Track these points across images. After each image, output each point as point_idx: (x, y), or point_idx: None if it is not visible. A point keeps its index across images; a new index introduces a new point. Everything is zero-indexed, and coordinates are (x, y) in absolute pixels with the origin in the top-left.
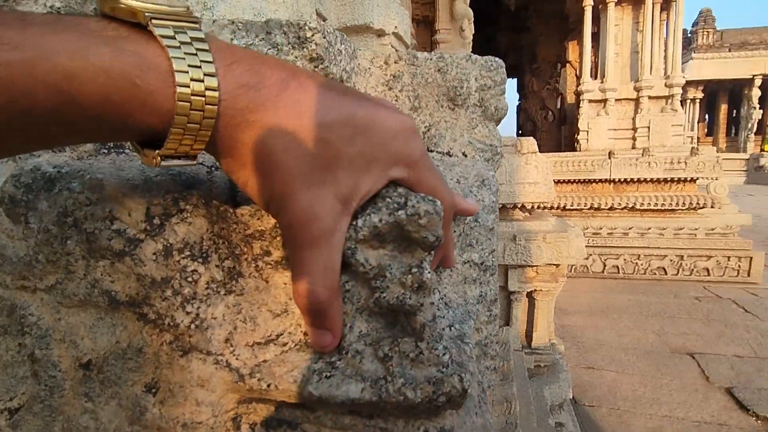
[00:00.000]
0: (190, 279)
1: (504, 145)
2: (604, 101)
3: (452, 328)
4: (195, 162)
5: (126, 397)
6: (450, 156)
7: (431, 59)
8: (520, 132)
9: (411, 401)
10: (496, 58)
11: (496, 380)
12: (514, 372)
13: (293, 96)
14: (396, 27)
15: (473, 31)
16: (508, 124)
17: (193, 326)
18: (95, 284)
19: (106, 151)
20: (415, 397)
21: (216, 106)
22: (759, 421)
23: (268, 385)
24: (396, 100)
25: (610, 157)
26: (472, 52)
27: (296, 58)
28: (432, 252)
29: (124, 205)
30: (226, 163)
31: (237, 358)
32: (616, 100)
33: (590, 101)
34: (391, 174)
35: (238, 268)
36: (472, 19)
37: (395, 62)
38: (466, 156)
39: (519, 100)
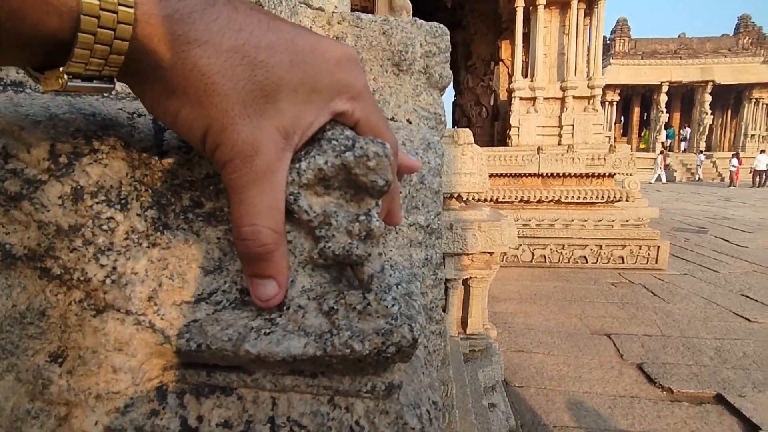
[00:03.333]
0: (105, 227)
1: (443, 135)
2: (534, 99)
3: (399, 286)
4: (112, 87)
5: (26, 369)
6: (394, 121)
7: (376, 21)
8: (455, 127)
9: (358, 354)
10: (441, 25)
11: (441, 345)
12: (451, 357)
13: (224, 12)
14: (335, 7)
15: None
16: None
17: (108, 281)
18: None
19: (1, 87)
20: (363, 349)
21: (132, 9)
22: (664, 392)
23: (199, 346)
24: None
25: (538, 153)
26: None
27: None
28: (381, 199)
29: (22, 141)
30: (150, 91)
31: (162, 318)
32: (545, 98)
33: (521, 99)
34: (334, 106)
35: (164, 219)
36: (411, 11)
37: (338, 23)
38: (410, 123)
39: (455, 95)
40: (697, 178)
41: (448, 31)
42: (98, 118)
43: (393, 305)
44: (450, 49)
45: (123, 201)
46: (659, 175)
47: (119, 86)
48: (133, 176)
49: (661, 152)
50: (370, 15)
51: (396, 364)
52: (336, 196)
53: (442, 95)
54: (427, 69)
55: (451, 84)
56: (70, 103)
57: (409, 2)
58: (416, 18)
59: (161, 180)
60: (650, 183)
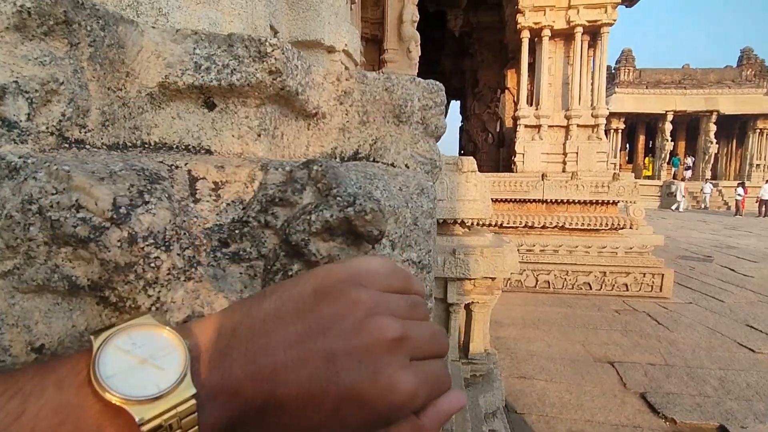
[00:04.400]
0: (153, 265)
1: (446, 162)
2: (539, 127)
3: None
4: None
5: None
6: (394, 167)
7: (379, 79)
8: (462, 152)
9: None
10: (437, 82)
11: None
12: (452, 381)
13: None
14: (346, 45)
15: (419, 53)
16: (451, 144)
17: (153, 308)
18: (56, 269)
19: (67, 145)
20: None
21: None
22: (667, 423)
23: None
24: (346, 114)
25: (543, 179)
26: (418, 73)
27: (256, 70)
28: (375, 246)
29: (91, 195)
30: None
31: None
32: (549, 126)
33: (526, 126)
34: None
35: (198, 258)
36: (419, 41)
37: (346, 79)
38: (408, 167)
39: (462, 121)
40: (703, 207)
41: (443, 87)
42: (146, 173)
43: None
44: (445, 102)
45: (167, 243)
46: (681, 203)
47: (156, 137)
48: (175, 222)
49: (683, 179)
50: (374, 73)
51: None
52: (339, 242)
53: (437, 142)
54: (424, 120)
55: (459, 109)
56: (123, 160)
57: (417, 33)
58: (415, 76)
59: (195, 224)
60: (677, 210)
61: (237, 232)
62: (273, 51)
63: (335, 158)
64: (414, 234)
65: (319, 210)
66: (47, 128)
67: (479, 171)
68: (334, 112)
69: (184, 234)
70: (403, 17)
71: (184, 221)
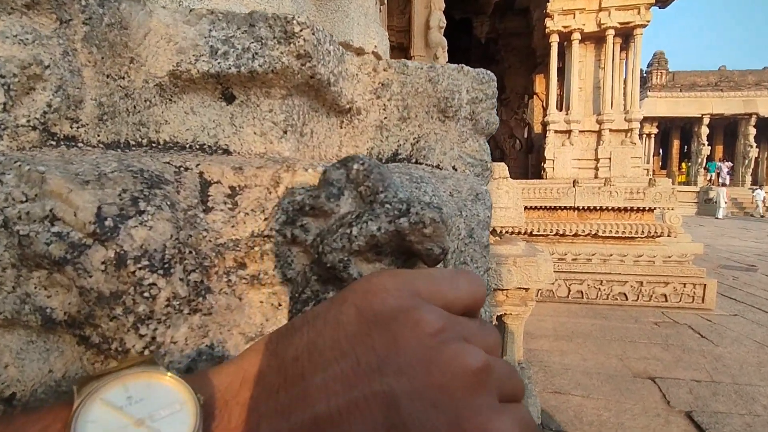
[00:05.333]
0: (146, 294)
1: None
2: (569, 132)
3: None
4: None
5: None
6: (440, 169)
7: (422, 68)
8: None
9: None
10: (488, 71)
11: None
12: None
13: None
14: (375, 46)
15: (447, 60)
16: None
17: (147, 352)
18: (26, 299)
19: (54, 142)
20: None
21: None
22: None
23: None
24: (384, 110)
25: (574, 186)
26: None
27: (282, 53)
28: (441, 265)
29: (69, 203)
30: None
31: None
32: (580, 131)
33: (556, 132)
34: None
35: (207, 283)
36: (446, 47)
37: (384, 70)
38: (456, 170)
39: None
40: (759, 215)
41: (495, 78)
42: (146, 175)
43: None
44: (496, 95)
45: (166, 265)
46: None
47: (166, 135)
48: (178, 238)
49: (722, 184)
50: (416, 62)
51: None
52: (387, 263)
53: (487, 141)
54: (473, 115)
55: None
56: (119, 159)
57: (444, 39)
58: (463, 65)
59: (205, 240)
60: (718, 219)
61: (257, 249)
62: (301, 31)
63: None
64: (470, 249)
65: (362, 221)
66: (28, 121)
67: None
68: (371, 108)
69: (190, 253)
70: (430, 23)
71: (191, 236)
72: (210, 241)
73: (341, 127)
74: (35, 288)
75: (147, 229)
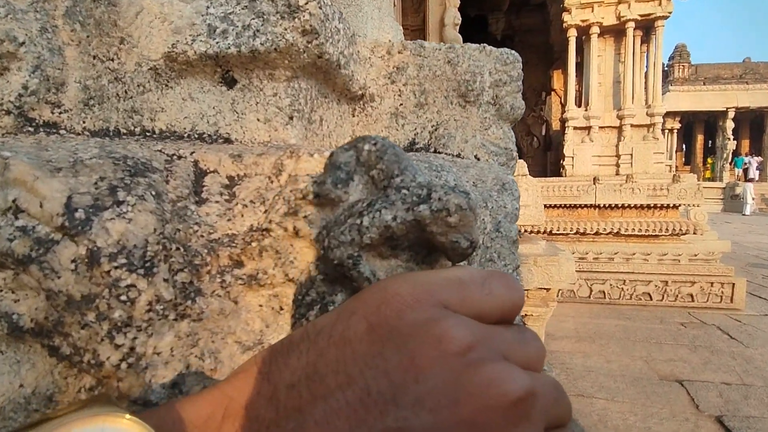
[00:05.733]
0: (124, 298)
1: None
2: (588, 128)
3: None
4: None
5: None
6: (461, 158)
7: (440, 49)
8: None
9: None
10: (512, 51)
11: None
12: None
13: None
14: (390, 40)
15: None
16: None
17: (124, 365)
18: None
19: (32, 128)
20: None
21: None
22: None
23: None
24: (399, 96)
25: (594, 183)
26: None
27: (285, 30)
28: (465, 263)
29: (35, 192)
30: None
31: None
32: (600, 127)
33: (575, 128)
34: None
35: (197, 284)
36: (462, 44)
37: (399, 52)
38: (478, 159)
39: None
40: None
41: (520, 58)
42: (129, 162)
43: None
44: (522, 77)
45: (148, 264)
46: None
47: (162, 124)
48: (163, 232)
49: (752, 180)
50: (434, 43)
51: None
52: (404, 259)
53: (512, 127)
54: (496, 100)
55: None
56: (101, 146)
57: (460, 36)
58: (485, 44)
59: (196, 235)
60: (745, 215)
61: (255, 245)
62: (307, 4)
63: None
64: (496, 244)
65: (374, 210)
66: (1, 105)
67: None
68: (385, 94)
69: (177, 249)
70: (445, 21)
71: (179, 230)
72: (202, 236)
73: (353, 116)
74: (1, 291)
75: (126, 221)
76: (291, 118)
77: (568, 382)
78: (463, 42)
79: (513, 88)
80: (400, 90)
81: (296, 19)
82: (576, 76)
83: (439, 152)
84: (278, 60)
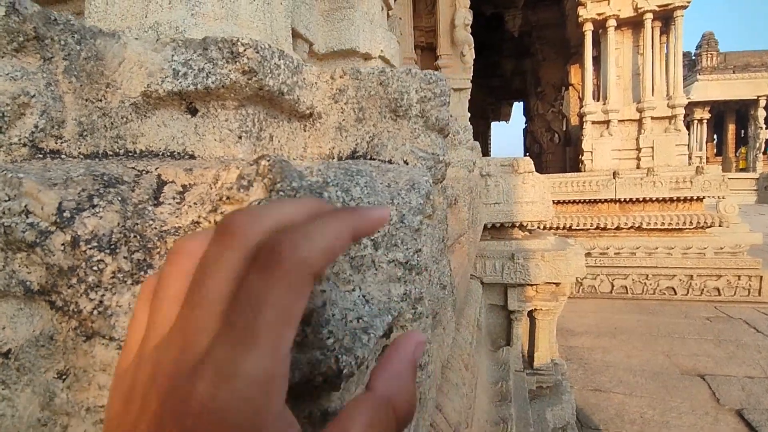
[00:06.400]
0: (95, 268)
1: (501, 164)
2: (607, 122)
3: (360, 320)
4: None
5: (39, 383)
6: (391, 163)
7: (373, 74)
8: (527, 153)
9: (290, 382)
10: (436, 72)
11: (430, 383)
12: (514, 393)
13: None
14: (382, 51)
15: (474, 56)
16: (516, 146)
17: (96, 312)
18: (13, 275)
19: (41, 155)
20: (293, 378)
21: None
22: None
23: None
24: (342, 113)
25: (614, 177)
26: (475, 77)
27: (230, 71)
28: None
29: (38, 200)
30: None
31: None
32: (619, 121)
33: (593, 122)
34: None
35: (149, 261)
36: (473, 45)
37: (340, 77)
38: (407, 164)
39: (526, 122)
40: None
41: (443, 77)
42: (105, 177)
43: (328, 338)
44: (447, 94)
45: (112, 246)
46: None
47: (143, 146)
48: (124, 225)
49: None
50: (369, 68)
51: (330, 392)
52: None
53: (443, 136)
54: (423, 113)
55: (522, 111)
56: (88, 166)
57: (470, 36)
58: (410, 67)
59: (151, 227)
60: None
61: (190, 233)
62: (245, 50)
63: (333, 158)
64: (400, 233)
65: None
66: (20, 140)
67: (546, 173)
68: (330, 111)
69: (135, 237)
70: (455, 22)
71: (137, 224)
72: (155, 228)
73: (305, 130)
74: (19, 266)
75: (98, 218)
76: (240, 137)
77: (585, 377)
78: (478, 42)
79: (437, 102)
80: (342, 108)
81: (237, 62)
82: (593, 70)
83: (374, 159)
84: (226, 94)
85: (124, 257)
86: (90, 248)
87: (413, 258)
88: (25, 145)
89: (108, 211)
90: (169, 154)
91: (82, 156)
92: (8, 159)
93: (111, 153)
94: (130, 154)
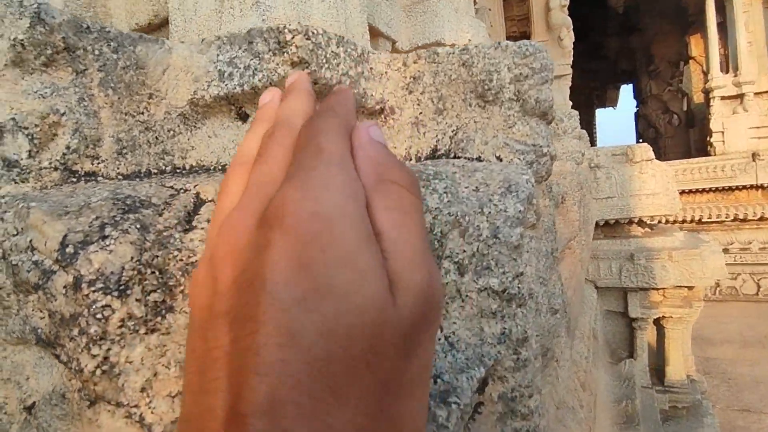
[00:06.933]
0: (99, 316)
1: (612, 154)
2: (741, 96)
3: (439, 380)
4: None
5: None
6: (480, 161)
7: (453, 53)
8: (641, 140)
9: None
10: (533, 42)
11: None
12: (641, 413)
13: None
14: (470, 40)
15: (573, 39)
16: (625, 133)
17: (99, 372)
18: (26, 321)
19: (75, 179)
20: None
21: None
22: None
23: None
24: (417, 104)
25: (754, 160)
26: (575, 61)
27: (277, 65)
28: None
29: (42, 233)
30: None
31: (153, 412)
32: (755, 94)
33: (722, 98)
34: None
35: (169, 302)
36: (571, 27)
37: (414, 62)
38: (501, 160)
39: (636, 106)
40: None
41: (543, 48)
42: (128, 201)
43: None
44: (549, 69)
45: (122, 287)
46: None
47: (193, 160)
48: (140, 260)
49: None
50: (447, 48)
51: None
52: None
53: (547, 121)
54: (519, 95)
55: (632, 94)
56: (113, 189)
57: (568, 18)
58: (500, 41)
59: (176, 259)
60: None
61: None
62: (293, 38)
63: (410, 160)
64: (493, 251)
65: None
66: (50, 163)
67: (664, 159)
68: (404, 105)
69: (151, 273)
70: (550, 4)
71: (157, 257)
72: (181, 260)
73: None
74: (31, 310)
75: (107, 252)
76: None
77: (730, 394)
78: (577, 24)
79: (537, 80)
80: (418, 99)
81: (285, 54)
82: (719, 39)
83: (459, 157)
84: None
85: (137, 300)
86: (94, 291)
87: (512, 285)
88: (56, 168)
89: (120, 243)
90: (220, 168)
91: (120, 176)
92: (38, 186)
93: (156, 171)
94: (178, 171)
